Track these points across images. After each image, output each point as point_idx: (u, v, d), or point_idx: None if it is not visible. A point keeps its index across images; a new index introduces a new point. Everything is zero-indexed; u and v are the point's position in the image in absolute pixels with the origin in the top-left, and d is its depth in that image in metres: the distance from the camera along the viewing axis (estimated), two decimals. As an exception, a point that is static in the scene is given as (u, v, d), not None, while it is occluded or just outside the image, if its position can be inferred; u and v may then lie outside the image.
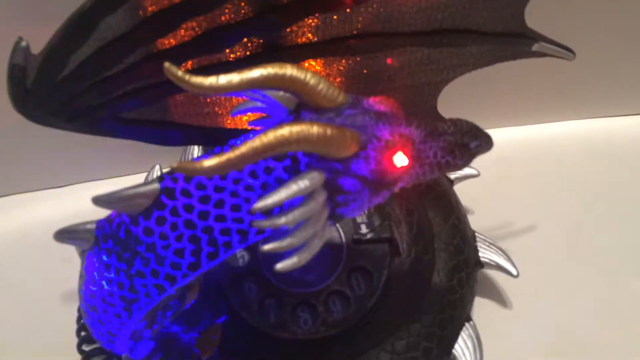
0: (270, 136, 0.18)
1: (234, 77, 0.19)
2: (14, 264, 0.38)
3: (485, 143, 0.23)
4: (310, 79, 0.20)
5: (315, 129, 0.19)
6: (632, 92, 0.42)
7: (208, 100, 0.28)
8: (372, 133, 0.20)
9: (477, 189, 0.36)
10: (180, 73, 0.18)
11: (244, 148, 0.18)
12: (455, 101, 0.32)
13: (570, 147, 0.41)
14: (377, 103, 0.21)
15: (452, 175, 0.36)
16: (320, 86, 0.20)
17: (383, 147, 0.20)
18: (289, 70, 0.19)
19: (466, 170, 0.36)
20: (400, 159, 0.21)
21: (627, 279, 0.35)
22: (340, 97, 0.21)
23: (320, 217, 0.20)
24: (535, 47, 0.27)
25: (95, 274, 0.24)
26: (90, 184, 0.42)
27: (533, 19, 0.27)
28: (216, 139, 0.28)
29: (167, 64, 0.18)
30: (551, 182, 0.39)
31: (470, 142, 0.22)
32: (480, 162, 0.35)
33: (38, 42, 0.24)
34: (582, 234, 0.37)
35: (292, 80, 0.20)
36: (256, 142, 0.18)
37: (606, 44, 0.39)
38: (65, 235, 0.24)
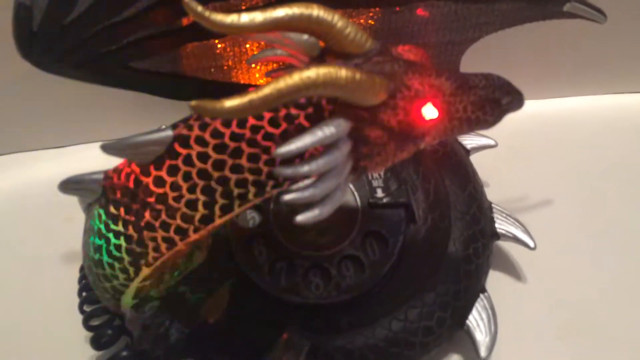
0: (296, 78, 0.17)
1: (257, 16, 0.18)
2: (14, 222, 0.37)
3: (517, 100, 0.21)
4: (337, 21, 0.18)
5: (343, 72, 0.17)
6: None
7: (220, 52, 0.27)
8: (402, 81, 0.19)
9: (494, 160, 0.35)
10: (200, 9, 0.17)
11: (267, 89, 0.17)
12: (474, 68, 0.31)
13: (589, 121, 0.40)
14: (407, 51, 0.20)
15: (469, 145, 0.34)
16: (348, 29, 0.19)
17: (412, 97, 0.19)
18: (316, 10, 0.18)
19: (483, 140, 0.35)
20: (430, 111, 0.20)
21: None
22: (369, 43, 0.19)
23: (343, 169, 0.19)
24: (567, 7, 0.26)
25: (102, 226, 0.23)
26: (94, 144, 0.41)
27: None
28: (229, 93, 0.27)
29: None
30: (569, 157, 0.38)
31: (502, 97, 0.21)
32: (497, 134, 0.35)
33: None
34: (600, 209, 0.36)
35: (319, 21, 0.18)
36: (281, 84, 0.17)
37: (630, 17, 0.37)
38: (70, 185, 0.23)
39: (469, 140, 0.34)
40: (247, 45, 0.27)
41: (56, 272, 0.34)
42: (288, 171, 0.18)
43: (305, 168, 0.18)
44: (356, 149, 0.19)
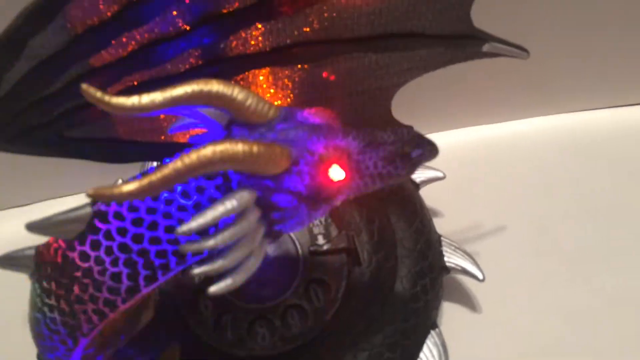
0: (193, 157, 0.18)
1: (156, 96, 0.18)
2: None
3: (428, 151, 0.22)
4: (237, 94, 0.19)
5: (240, 147, 0.18)
6: (594, 86, 0.41)
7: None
8: (305, 147, 0.20)
9: (444, 191, 0.36)
10: (99, 94, 0.18)
11: (166, 170, 0.17)
12: (416, 102, 0.32)
13: (535, 144, 0.40)
14: (312, 115, 0.21)
15: (418, 179, 0.35)
16: (249, 101, 0.19)
17: (317, 161, 0.20)
18: (215, 86, 0.19)
19: (432, 173, 0.35)
20: (337, 173, 0.20)
21: (596, 279, 0.34)
22: (271, 112, 0.20)
23: (254, 236, 0.19)
24: (486, 48, 0.26)
25: (38, 300, 0.23)
26: (52, 201, 0.42)
27: (483, 18, 0.26)
28: (168, 153, 0.28)
29: (84, 86, 0.18)
30: (517, 181, 0.39)
31: (412, 150, 0.21)
32: (446, 163, 0.35)
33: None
34: (550, 233, 0.37)
35: (219, 96, 0.19)
36: (178, 164, 0.17)
37: (567, 38, 0.38)
38: (6, 261, 0.24)
39: (417, 174, 0.35)
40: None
41: (19, 332, 0.34)
42: (193, 247, 0.18)
43: (210, 242, 0.18)
44: (267, 215, 0.20)
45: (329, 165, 0.20)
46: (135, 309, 0.27)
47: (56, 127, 0.26)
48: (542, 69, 0.39)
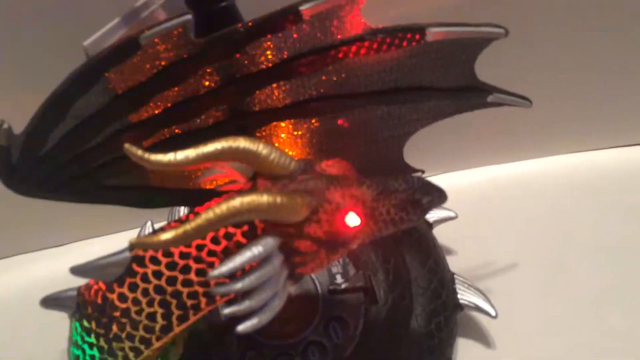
0: (223, 208, 0.20)
1: (190, 153, 0.20)
2: (14, 323, 0.40)
3: (437, 198, 0.24)
4: (262, 150, 0.21)
5: (265, 199, 0.20)
6: (607, 126, 0.43)
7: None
8: (323, 196, 0.22)
9: (457, 229, 0.37)
10: (139, 152, 0.20)
11: (199, 220, 0.19)
12: (428, 144, 0.33)
13: (546, 183, 0.42)
14: (329, 167, 0.23)
15: (431, 219, 0.37)
16: (272, 156, 0.21)
17: (334, 210, 0.22)
18: (242, 143, 0.21)
19: (444, 213, 0.37)
20: (352, 219, 0.22)
21: (609, 316, 0.35)
22: (292, 164, 0.22)
23: (278, 279, 0.21)
24: (490, 99, 0.28)
25: (78, 338, 0.25)
26: (88, 241, 0.44)
27: (488, 68, 0.28)
28: (196, 199, 0.30)
29: (126, 146, 0.20)
30: (530, 220, 0.40)
31: (422, 197, 0.23)
32: (459, 202, 0.37)
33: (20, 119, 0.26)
34: (562, 271, 0.37)
35: (245, 152, 0.21)
36: (210, 214, 0.19)
37: (574, 80, 0.40)
38: (50, 302, 0.26)
39: (430, 214, 0.36)
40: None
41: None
42: (223, 290, 0.20)
43: (238, 285, 0.20)
44: (289, 260, 0.22)
45: (346, 213, 0.22)
46: (165, 346, 0.28)
47: (95, 177, 0.29)
48: (550, 111, 0.40)
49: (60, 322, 0.33)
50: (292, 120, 0.29)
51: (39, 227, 0.43)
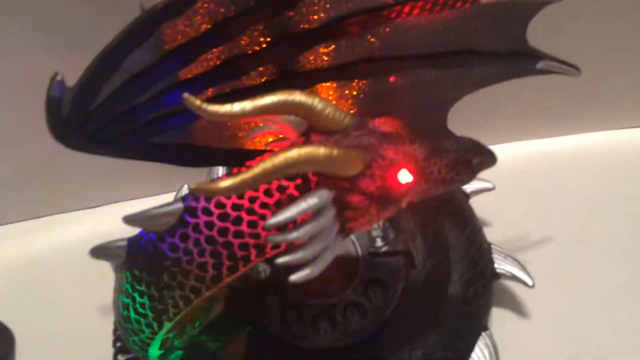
0: (281, 158, 0.20)
1: (247, 105, 0.21)
2: (55, 279, 0.41)
3: (487, 159, 0.24)
4: (317, 104, 0.21)
5: (322, 151, 0.20)
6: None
7: (228, 124, 0.30)
8: (377, 152, 0.22)
9: (494, 202, 0.37)
10: (198, 102, 0.20)
11: (257, 169, 0.20)
12: (470, 116, 0.33)
13: (586, 159, 0.41)
14: (382, 124, 0.23)
15: (468, 190, 0.36)
16: (327, 110, 0.22)
17: (387, 165, 0.22)
18: (298, 96, 0.21)
19: (481, 184, 0.37)
20: (405, 176, 0.22)
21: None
22: (347, 120, 0.22)
23: (330, 232, 0.22)
24: (540, 65, 0.28)
25: (128, 286, 0.26)
26: (125, 203, 0.45)
27: (537, 36, 0.28)
28: (238, 159, 0.30)
29: (186, 95, 0.20)
30: (568, 195, 0.40)
31: (473, 158, 0.23)
32: (497, 175, 0.37)
33: (72, 74, 0.27)
34: (600, 245, 0.37)
35: (301, 106, 0.21)
36: (267, 164, 0.20)
37: (622, 53, 0.39)
38: (100, 251, 0.26)
39: (467, 185, 0.36)
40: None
41: (93, 323, 0.37)
42: (278, 238, 0.21)
43: (293, 234, 0.20)
44: (341, 214, 0.22)
45: (399, 169, 0.22)
46: (208, 301, 0.29)
47: (142, 133, 0.29)
48: (595, 85, 0.40)
49: (100, 281, 0.34)
50: (338, 82, 0.29)
51: (79, 187, 0.44)
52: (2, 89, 0.37)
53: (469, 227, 0.34)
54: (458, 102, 0.31)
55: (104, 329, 0.35)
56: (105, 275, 0.29)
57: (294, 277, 0.21)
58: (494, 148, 0.43)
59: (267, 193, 0.23)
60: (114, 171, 0.43)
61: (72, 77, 0.27)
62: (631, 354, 0.33)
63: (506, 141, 0.43)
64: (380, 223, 0.32)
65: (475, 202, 0.36)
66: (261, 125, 0.26)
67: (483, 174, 0.36)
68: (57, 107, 0.27)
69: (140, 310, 0.25)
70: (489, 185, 0.37)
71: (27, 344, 0.32)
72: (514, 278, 0.33)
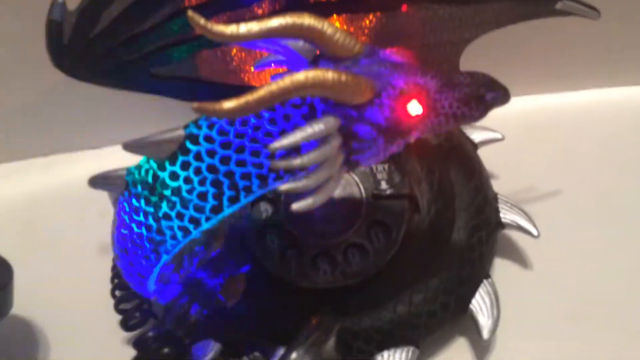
0: (287, 81, 0.19)
1: (253, 26, 0.20)
2: (54, 218, 0.40)
3: (502, 96, 0.23)
4: (327, 28, 0.20)
5: (330, 75, 0.19)
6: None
7: (234, 57, 0.29)
8: (387, 81, 0.21)
9: (502, 154, 0.36)
10: (202, 21, 0.19)
11: (262, 91, 0.19)
12: (481, 68, 0.32)
13: (597, 115, 0.40)
14: (394, 54, 0.22)
15: (476, 139, 0.36)
16: (337, 35, 0.21)
17: (397, 95, 0.21)
18: (307, 19, 0.20)
19: (490, 134, 0.36)
20: (415, 108, 0.21)
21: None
22: (357, 47, 0.21)
23: (335, 162, 0.21)
24: (559, 5, 0.27)
25: (126, 217, 0.25)
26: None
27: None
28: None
29: (190, 12, 0.19)
30: (578, 150, 0.39)
31: (487, 93, 0.22)
32: (507, 128, 0.36)
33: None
34: (608, 200, 0.37)
35: (310, 29, 0.20)
36: (273, 86, 0.19)
37: (636, 6, 0.38)
38: (99, 180, 0.26)
39: (476, 134, 0.36)
40: (257, 51, 0.29)
41: (92, 260, 0.37)
42: (282, 163, 0.20)
43: (297, 161, 0.20)
44: (347, 144, 0.21)
45: (409, 100, 0.21)
46: (207, 237, 0.29)
47: (145, 63, 0.28)
48: (612, 40, 0.39)
49: (101, 219, 0.34)
50: (347, 15, 0.28)
51: (81, 127, 0.43)
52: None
53: (476, 175, 0.33)
54: (469, 53, 0.30)
55: (102, 267, 0.35)
56: (105, 216, 0.29)
57: (296, 206, 0.20)
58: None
59: (272, 122, 0.22)
60: (117, 112, 0.42)
61: (73, 1, 0.26)
62: (632, 307, 0.33)
63: (517, 95, 0.42)
64: (386, 166, 0.31)
65: (483, 153, 0.36)
66: (266, 56, 0.25)
67: (493, 124, 0.36)
68: (58, 32, 0.26)
69: (137, 241, 0.25)
70: (498, 135, 0.36)
71: (25, 279, 0.32)
72: (519, 228, 0.33)
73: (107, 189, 0.26)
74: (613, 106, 0.41)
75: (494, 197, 0.33)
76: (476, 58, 0.30)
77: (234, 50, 0.29)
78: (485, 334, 0.30)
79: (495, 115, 0.24)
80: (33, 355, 0.34)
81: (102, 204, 0.29)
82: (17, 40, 0.36)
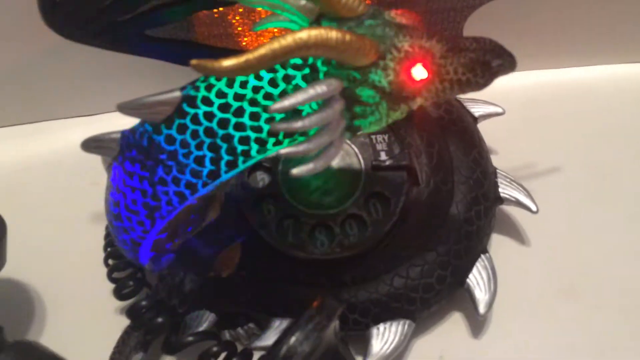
0: (289, 39, 0.18)
1: None
2: (45, 186, 0.40)
3: (508, 62, 0.22)
4: (331, -16, 0.20)
5: (333, 34, 0.19)
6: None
7: (231, 20, 0.28)
8: (392, 44, 0.20)
9: (502, 129, 0.36)
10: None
11: (263, 50, 0.18)
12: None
13: (598, 91, 0.40)
14: (399, 15, 0.21)
15: (477, 113, 0.35)
16: (341, -7, 0.20)
17: (402, 58, 0.20)
18: (311, -24, 0.19)
19: (491, 108, 0.35)
20: (420, 72, 0.21)
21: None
22: (361, 7, 0.20)
23: (337, 126, 0.20)
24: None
25: (120, 182, 0.24)
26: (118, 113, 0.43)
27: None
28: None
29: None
30: (579, 127, 0.38)
31: (493, 60, 0.22)
32: (507, 104, 0.36)
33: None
34: (608, 178, 0.37)
35: (312, -15, 0.19)
36: (275, 45, 0.18)
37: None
38: (91, 144, 0.25)
39: (476, 108, 0.35)
40: (256, 14, 0.28)
41: (84, 229, 0.36)
42: (282, 125, 0.19)
43: (298, 123, 0.19)
44: (350, 108, 0.21)
45: (413, 64, 0.21)
46: (203, 205, 0.28)
47: (139, 24, 0.27)
48: (613, 15, 0.38)
49: (92, 189, 0.33)
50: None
51: (72, 95, 0.42)
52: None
53: (476, 149, 0.33)
54: (471, 27, 0.29)
55: (95, 235, 0.34)
56: (97, 185, 0.28)
57: (296, 171, 0.20)
58: (506, 77, 0.41)
59: (272, 83, 0.21)
60: (111, 77, 0.41)
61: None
62: (629, 283, 0.33)
63: (519, 70, 0.41)
64: (386, 137, 0.31)
65: (483, 127, 0.35)
66: (265, 17, 0.24)
67: (494, 99, 0.35)
68: (50, -10, 0.25)
69: (131, 207, 0.24)
70: (499, 109, 0.35)
71: (16, 245, 0.31)
72: (518, 203, 0.32)
73: (100, 153, 0.25)
74: (614, 83, 0.41)
75: (493, 172, 0.33)
76: (478, 32, 0.29)
77: (232, 13, 0.28)
78: (482, 309, 0.30)
79: (497, 89, 0.23)
80: (24, 324, 0.34)
81: (95, 172, 0.28)
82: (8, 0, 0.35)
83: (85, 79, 0.41)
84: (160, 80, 0.39)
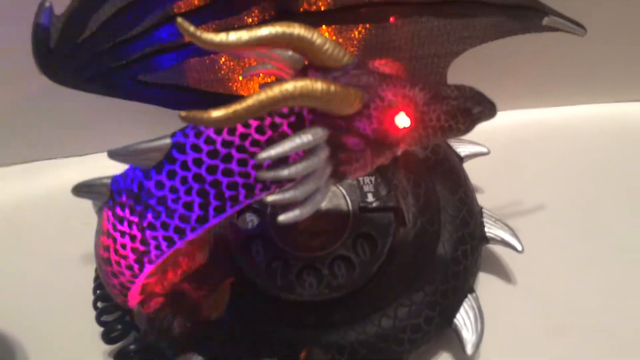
0: (276, 90, 0.19)
1: (243, 34, 0.20)
2: (38, 225, 0.40)
3: (488, 110, 0.23)
4: (316, 38, 0.20)
5: (319, 85, 0.19)
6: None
7: (222, 65, 0.29)
8: (376, 93, 0.21)
9: (488, 169, 0.37)
10: (192, 28, 0.19)
11: (250, 100, 0.19)
12: (467, 82, 0.33)
13: (583, 130, 0.41)
14: (382, 65, 0.22)
15: (463, 153, 0.36)
16: (327, 45, 0.21)
17: (386, 107, 0.21)
18: (297, 29, 0.20)
19: (476, 148, 0.36)
20: (403, 120, 0.21)
21: (635, 259, 0.35)
22: (346, 58, 0.21)
23: (323, 173, 0.21)
24: (546, 21, 0.27)
25: (110, 226, 0.25)
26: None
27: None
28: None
29: (179, 19, 0.19)
30: (562, 165, 0.39)
31: (474, 107, 0.22)
32: (492, 143, 0.36)
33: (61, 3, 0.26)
34: (591, 216, 0.37)
35: (300, 38, 0.20)
36: (262, 95, 0.19)
37: (623, 25, 0.38)
38: (82, 189, 0.25)
39: (462, 148, 0.36)
40: (246, 60, 0.29)
41: (74, 271, 0.36)
42: (269, 174, 0.20)
43: (285, 172, 0.20)
44: (335, 155, 0.21)
45: (397, 112, 0.21)
46: (192, 249, 0.28)
47: (132, 70, 0.28)
48: (595, 56, 0.39)
49: (83, 227, 0.34)
50: (336, 26, 0.28)
51: (65, 135, 0.42)
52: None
53: (462, 189, 0.33)
54: (457, 67, 0.30)
55: (84, 277, 0.34)
56: (88, 225, 0.29)
57: (283, 217, 0.20)
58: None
59: (259, 130, 0.22)
60: (102, 119, 0.42)
61: (61, 5, 0.26)
62: (615, 320, 0.33)
63: (503, 109, 0.42)
64: (373, 178, 0.31)
65: (469, 167, 0.36)
66: (254, 65, 0.25)
67: (479, 138, 0.36)
68: (45, 36, 0.26)
69: (120, 251, 0.25)
70: (484, 149, 0.36)
71: (4, 287, 0.31)
72: (504, 243, 0.33)
73: (91, 197, 0.26)
74: (597, 122, 0.42)
75: (479, 211, 0.34)
76: (463, 72, 0.30)
77: (223, 59, 0.29)
78: (469, 349, 0.30)
79: (481, 129, 0.24)
80: (10, 366, 0.34)
81: (86, 213, 0.28)
82: (2, 44, 0.35)
83: (78, 119, 0.42)
84: (152, 123, 0.40)
